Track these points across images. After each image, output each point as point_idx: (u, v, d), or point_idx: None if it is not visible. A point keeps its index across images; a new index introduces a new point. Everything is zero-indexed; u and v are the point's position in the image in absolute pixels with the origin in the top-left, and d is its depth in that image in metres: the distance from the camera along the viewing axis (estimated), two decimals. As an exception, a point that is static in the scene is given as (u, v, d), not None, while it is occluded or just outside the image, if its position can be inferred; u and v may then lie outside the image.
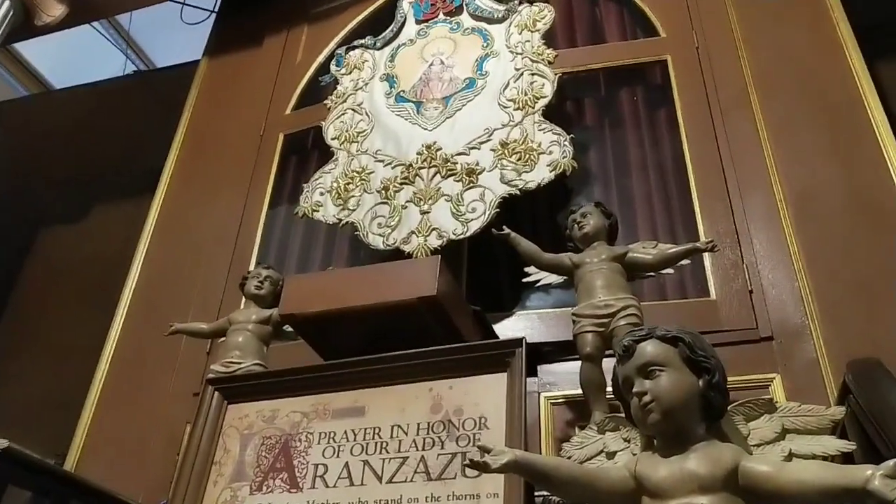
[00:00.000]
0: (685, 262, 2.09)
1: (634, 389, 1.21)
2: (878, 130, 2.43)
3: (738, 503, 1.11)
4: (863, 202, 2.37)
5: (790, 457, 1.22)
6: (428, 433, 1.80)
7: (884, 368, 1.66)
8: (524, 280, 2.29)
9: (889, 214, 2.30)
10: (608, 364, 1.97)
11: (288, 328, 2.37)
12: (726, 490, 1.11)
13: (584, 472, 1.24)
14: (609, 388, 1.93)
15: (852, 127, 2.53)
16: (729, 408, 1.27)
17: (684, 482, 1.12)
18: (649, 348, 1.22)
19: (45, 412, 3.77)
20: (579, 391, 2.10)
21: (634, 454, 1.31)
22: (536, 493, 1.64)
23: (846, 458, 1.42)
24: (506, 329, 2.46)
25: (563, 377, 2.31)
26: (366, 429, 1.86)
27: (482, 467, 1.21)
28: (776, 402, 1.30)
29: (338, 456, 1.84)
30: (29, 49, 5.68)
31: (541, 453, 2.14)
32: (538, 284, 2.28)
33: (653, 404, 1.19)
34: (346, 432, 1.87)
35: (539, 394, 2.30)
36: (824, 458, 1.22)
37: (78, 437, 2.91)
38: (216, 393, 2.04)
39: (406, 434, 1.82)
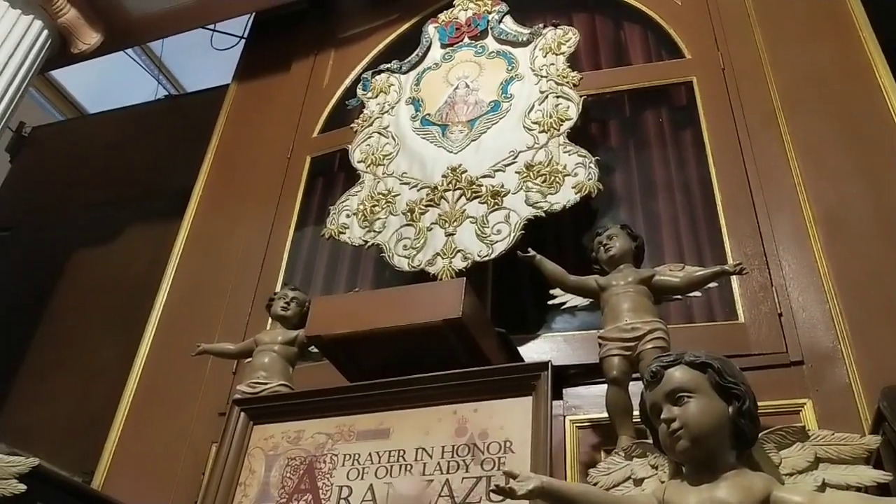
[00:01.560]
0: (713, 284, 2.08)
1: (663, 416, 1.20)
2: (909, 151, 2.40)
3: (769, 533, 1.09)
4: (893, 223, 2.33)
5: (823, 487, 1.19)
6: (453, 456, 1.80)
7: (919, 395, 1.62)
8: (549, 302, 2.29)
9: (921, 236, 2.25)
10: (635, 388, 1.96)
11: (314, 349, 2.39)
12: (758, 520, 1.09)
13: (612, 500, 1.23)
14: (636, 413, 1.92)
15: (881, 147, 2.49)
16: (760, 435, 1.24)
17: (714, 511, 1.10)
18: (678, 374, 1.20)
19: (74, 431, 3.82)
20: (605, 415, 2.07)
21: (662, 481, 1.29)
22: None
23: (881, 490, 1.38)
24: (531, 351, 2.44)
25: (589, 400, 2.29)
26: (390, 451, 1.86)
27: (508, 493, 1.20)
28: (808, 429, 1.28)
29: (362, 478, 1.84)
30: (64, 75, 5.85)
31: (566, 478, 2.12)
32: (564, 307, 2.27)
33: (681, 431, 1.17)
34: (370, 454, 1.87)
35: (564, 417, 2.28)
36: (859, 489, 1.19)
37: (105, 455, 2.93)
38: (242, 414, 2.06)
39: (430, 457, 1.82)
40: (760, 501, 1.10)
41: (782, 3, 3.02)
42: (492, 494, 1.69)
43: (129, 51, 5.32)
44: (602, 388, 2.09)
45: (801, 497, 1.09)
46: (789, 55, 2.87)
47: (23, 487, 1.74)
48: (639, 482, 1.35)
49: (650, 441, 1.35)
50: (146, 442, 2.90)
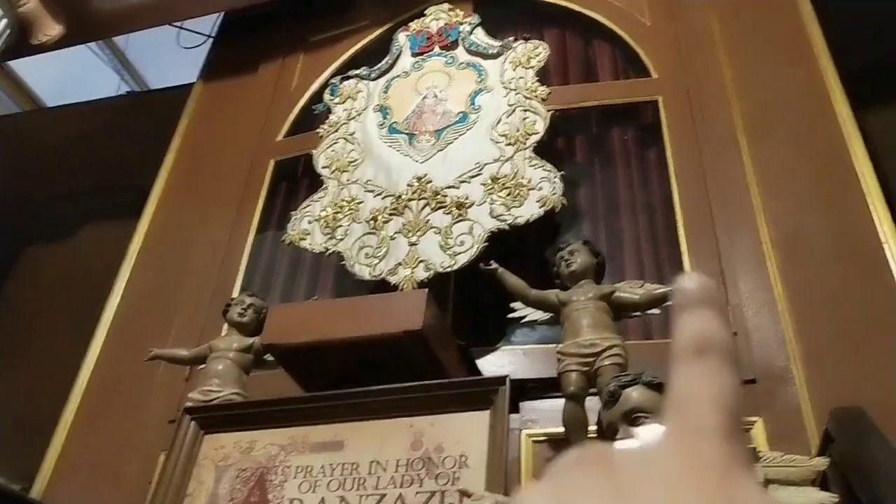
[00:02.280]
0: (671, 302, 2.09)
1: (619, 436, 1.19)
2: (864, 178, 2.46)
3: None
4: (848, 248, 2.38)
5: (772, 508, 1.20)
6: (407, 470, 1.78)
7: (867, 419, 1.64)
8: (510, 316, 2.28)
9: (873, 261, 2.31)
10: (592, 403, 1.97)
11: (269, 357, 2.34)
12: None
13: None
14: (592, 429, 1.93)
15: (838, 173, 2.55)
16: (711, 456, 1.25)
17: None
18: (635, 395, 1.21)
19: (17, 435, 3.69)
20: (562, 429, 2.07)
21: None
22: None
23: (829, 510, 1.40)
24: (490, 364, 2.43)
25: (546, 414, 2.28)
26: (343, 464, 1.83)
27: (462, 511, 1.18)
28: (759, 451, 1.29)
29: (314, 491, 1.81)
30: (23, 66, 5.68)
31: (521, 493, 2.11)
32: (524, 320, 2.27)
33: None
34: (323, 467, 1.84)
35: (521, 431, 2.27)
36: (807, 511, 1.20)
37: (47, 462, 2.83)
38: (193, 422, 2.01)
39: (385, 470, 1.79)
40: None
41: (747, 29, 3.09)
42: (445, 510, 1.67)
43: (93, 45, 5.19)
44: (559, 403, 2.09)
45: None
46: (752, 80, 2.93)
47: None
48: None
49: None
50: (92, 449, 2.81)
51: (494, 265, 2.16)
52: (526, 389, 2.35)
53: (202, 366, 2.36)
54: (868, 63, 3.25)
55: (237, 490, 1.86)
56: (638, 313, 2.13)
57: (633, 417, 1.19)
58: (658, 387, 1.21)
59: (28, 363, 3.96)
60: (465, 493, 1.19)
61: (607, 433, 1.24)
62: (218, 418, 2.01)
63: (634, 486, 0.28)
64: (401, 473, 1.77)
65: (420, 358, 2.03)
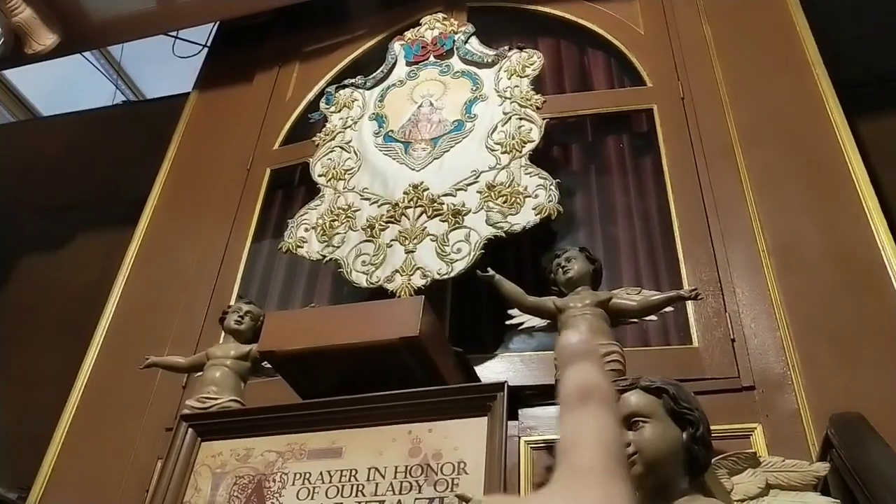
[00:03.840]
0: (669, 309, 2.10)
1: (618, 440, 1.19)
2: (859, 186, 2.47)
3: (719, 560, 1.09)
4: (844, 256, 2.39)
5: (774, 512, 1.20)
6: (406, 477, 1.77)
7: (867, 424, 1.65)
8: (507, 322, 2.28)
9: (870, 269, 2.32)
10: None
11: (266, 364, 2.33)
12: (709, 546, 1.09)
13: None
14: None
15: (834, 181, 2.57)
16: (712, 461, 1.25)
17: (668, 537, 1.10)
18: (633, 399, 1.21)
19: (12, 444, 3.67)
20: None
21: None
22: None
23: (829, 515, 1.40)
24: (488, 371, 2.43)
25: (545, 421, 2.27)
26: (342, 470, 1.82)
27: (462, 512, 1.18)
28: (759, 456, 1.29)
29: (312, 498, 1.80)
30: (16, 75, 5.68)
31: (520, 500, 2.10)
32: (521, 327, 2.27)
33: (636, 456, 1.17)
34: (321, 474, 1.83)
35: (519, 438, 2.25)
36: (807, 516, 1.20)
37: (44, 470, 2.81)
38: (190, 429, 1.99)
39: (383, 477, 1.78)
40: (712, 527, 1.10)
41: (741, 38, 3.11)
42: (444, 517, 1.67)
43: (87, 54, 5.19)
44: (557, 410, 2.08)
45: (752, 524, 1.09)
46: (747, 88, 2.95)
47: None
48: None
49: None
50: (88, 457, 2.79)
51: (491, 272, 2.16)
52: (524, 396, 2.34)
53: (199, 373, 2.34)
54: (861, 72, 3.28)
55: (234, 497, 1.85)
56: (635, 320, 2.13)
57: (632, 422, 1.19)
58: (656, 391, 1.21)
59: (17, 373, 3.95)
60: (463, 499, 1.18)
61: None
62: (215, 425, 2.00)
63: None
64: (399, 480, 1.76)
65: (417, 365, 2.02)
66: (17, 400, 3.78)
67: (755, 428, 2.10)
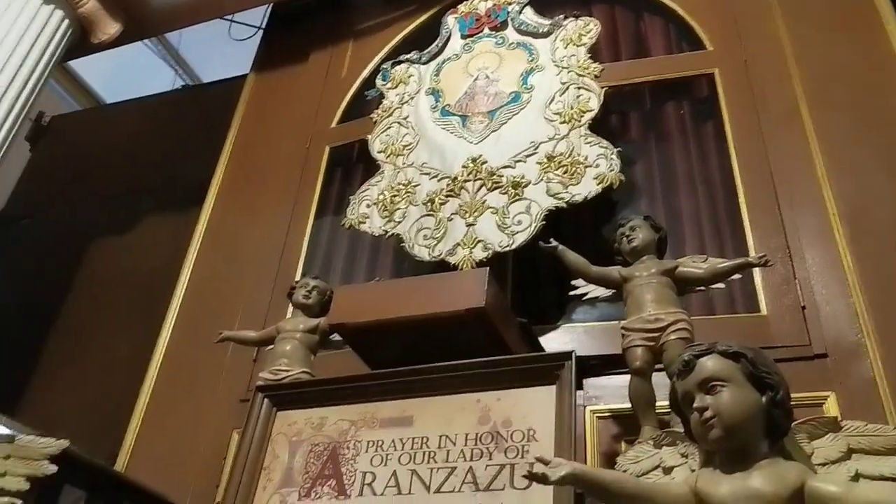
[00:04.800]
0: (736, 276, 2.07)
1: (695, 404, 1.19)
2: (936, 145, 2.38)
3: (803, 524, 1.09)
4: (919, 218, 2.31)
5: (857, 477, 1.18)
6: (476, 444, 1.81)
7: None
8: (571, 293, 2.29)
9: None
10: (657, 379, 1.96)
11: (335, 337, 2.40)
12: (791, 508, 1.08)
13: (644, 487, 1.23)
14: (660, 404, 1.92)
15: (907, 141, 2.47)
16: (791, 426, 1.24)
17: (748, 500, 1.10)
18: (710, 363, 1.20)
19: (93, 422, 3.84)
20: (625, 405, 2.08)
21: (693, 470, 1.29)
22: (586, 508, 1.63)
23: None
24: (551, 342, 2.44)
25: (610, 391, 2.30)
26: (413, 438, 1.87)
27: (540, 479, 1.20)
28: (841, 420, 1.27)
29: (385, 464, 1.85)
30: (81, 65, 5.87)
31: (587, 468, 2.12)
32: (585, 298, 2.27)
33: (714, 420, 1.16)
34: (393, 441, 1.88)
35: (585, 407, 2.28)
36: (894, 480, 1.18)
37: (126, 442, 2.96)
38: (266, 400, 2.07)
39: (454, 444, 1.82)
40: (794, 491, 1.09)
41: (806, -5, 3.00)
42: (515, 481, 1.70)
43: (147, 41, 5.33)
44: (622, 379, 2.09)
45: (836, 487, 1.08)
46: (813, 48, 2.85)
47: (53, 468, 1.75)
48: (668, 471, 1.35)
49: (680, 430, 1.34)
50: (167, 430, 2.93)
51: (554, 243, 2.16)
52: (588, 367, 2.36)
53: (270, 347, 2.42)
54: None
55: (311, 464, 1.92)
56: (702, 287, 2.10)
57: (710, 386, 1.19)
58: (734, 356, 1.20)
59: (95, 355, 4.12)
60: (542, 461, 1.20)
61: (682, 403, 1.24)
62: (289, 396, 2.07)
63: None
64: (470, 447, 1.80)
65: (483, 336, 2.05)
66: (96, 380, 3.96)
67: (828, 396, 2.07)
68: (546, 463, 1.19)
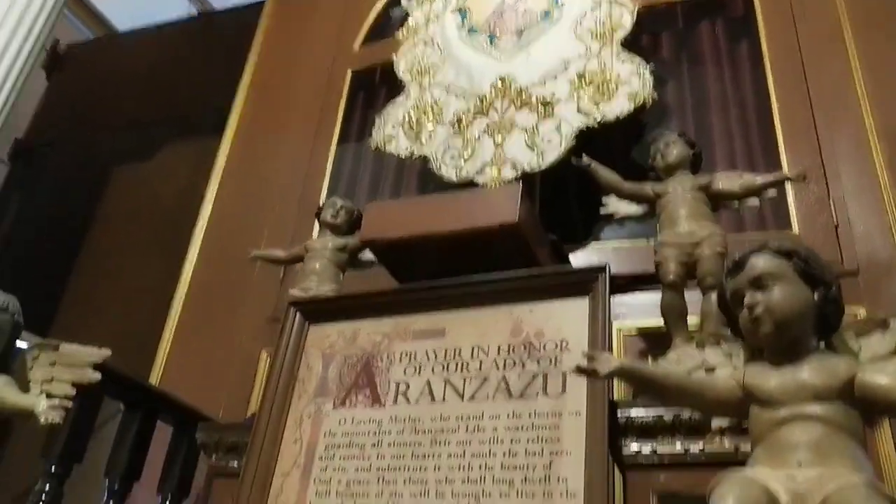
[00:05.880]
0: (771, 193, 2.05)
1: (746, 301, 1.18)
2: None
3: (852, 414, 1.09)
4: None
5: (906, 371, 1.18)
6: (509, 354, 1.82)
7: None
8: (602, 212, 2.27)
9: None
10: (688, 295, 1.96)
11: (363, 256, 2.41)
12: (841, 400, 1.09)
13: (692, 382, 1.24)
14: (692, 320, 1.92)
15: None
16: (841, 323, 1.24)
17: (797, 391, 1.10)
18: (762, 261, 1.19)
19: (122, 347, 3.91)
20: (652, 323, 2.09)
21: (736, 368, 1.30)
22: (620, 413, 1.65)
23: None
24: (580, 260, 2.45)
25: (637, 309, 2.31)
26: (446, 349, 1.89)
27: (591, 373, 1.21)
28: (890, 319, 1.26)
29: (419, 374, 1.88)
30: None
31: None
32: (615, 218, 2.26)
33: (765, 315, 1.16)
34: (426, 352, 1.90)
35: (612, 325, 2.29)
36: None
37: (157, 365, 3.02)
38: (298, 314, 2.09)
39: (487, 355, 1.84)
40: (844, 382, 1.10)
41: None
42: (549, 389, 1.72)
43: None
44: (649, 297, 2.10)
45: (887, 378, 1.08)
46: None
47: (97, 375, 1.79)
48: (711, 370, 1.36)
49: (724, 332, 1.34)
50: (197, 351, 2.98)
51: (587, 159, 2.13)
52: (616, 285, 2.35)
53: (299, 264, 2.44)
54: None
55: (345, 375, 1.95)
56: (736, 204, 2.08)
57: (761, 283, 1.18)
58: (786, 254, 1.19)
59: (121, 281, 4.17)
60: (591, 356, 1.21)
61: (732, 301, 1.23)
62: (322, 310, 2.09)
63: None
64: (503, 357, 1.82)
65: (515, 252, 2.04)
66: (124, 304, 4.02)
67: (858, 311, 2.06)
68: (594, 358, 1.20)
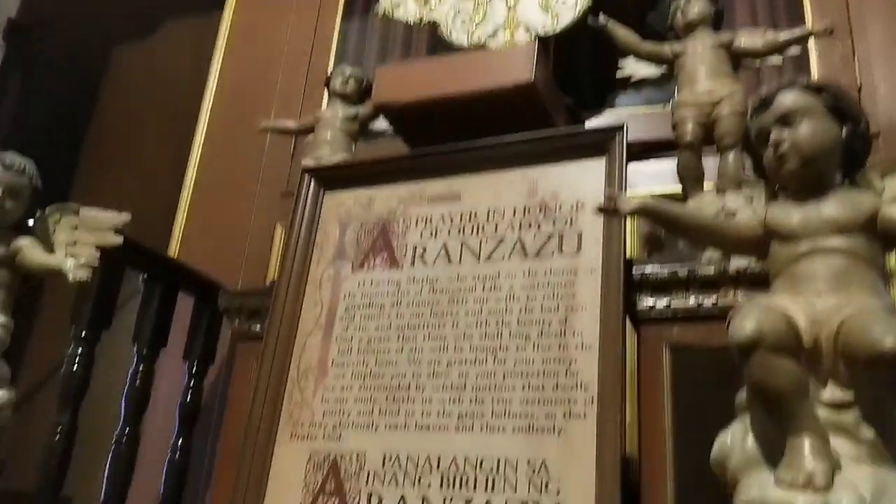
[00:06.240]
0: (794, 50, 1.98)
1: (772, 137, 1.17)
2: None
3: (874, 246, 1.10)
4: None
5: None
6: (524, 216, 1.83)
7: None
8: (617, 76, 2.22)
9: None
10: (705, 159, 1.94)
11: (373, 127, 2.38)
12: (863, 233, 1.10)
13: (714, 221, 1.25)
14: (708, 184, 1.92)
15: None
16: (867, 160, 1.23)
17: (819, 225, 1.11)
18: (790, 97, 1.16)
19: (136, 227, 3.94)
20: (664, 189, 2.08)
21: (755, 211, 1.30)
22: (635, 270, 1.68)
23: None
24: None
25: (651, 176, 2.30)
26: (462, 212, 1.90)
27: (612, 211, 1.22)
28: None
29: (435, 237, 1.90)
30: None
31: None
32: (633, 80, 2.21)
33: (791, 151, 1.15)
34: (442, 216, 1.91)
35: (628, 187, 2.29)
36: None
37: (174, 238, 3.06)
38: (313, 180, 2.09)
39: (502, 217, 1.85)
40: (868, 217, 1.10)
41: None
42: (564, 248, 1.74)
43: None
44: (662, 165, 2.08)
45: (911, 212, 1.08)
46: None
47: (119, 239, 1.82)
48: (731, 215, 1.36)
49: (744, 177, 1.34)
50: (211, 227, 3.01)
51: (605, 18, 2.05)
52: (631, 153, 2.33)
53: (309, 136, 2.41)
54: None
55: (362, 239, 1.97)
56: (757, 62, 2.02)
57: (788, 120, 1.16)
58: (815, 90, 1.16)
59: (134, 159, 4.14)
60: (612, 196, 1.22)
61: (757, 140, 1.22)
62: (336, 176, 2.08)
63: None
64: (518, 219, 1.83)
65: (531, 115, 2.01)
66: (135, 184, 4.00)
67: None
68: (614, 198, 1.21)
